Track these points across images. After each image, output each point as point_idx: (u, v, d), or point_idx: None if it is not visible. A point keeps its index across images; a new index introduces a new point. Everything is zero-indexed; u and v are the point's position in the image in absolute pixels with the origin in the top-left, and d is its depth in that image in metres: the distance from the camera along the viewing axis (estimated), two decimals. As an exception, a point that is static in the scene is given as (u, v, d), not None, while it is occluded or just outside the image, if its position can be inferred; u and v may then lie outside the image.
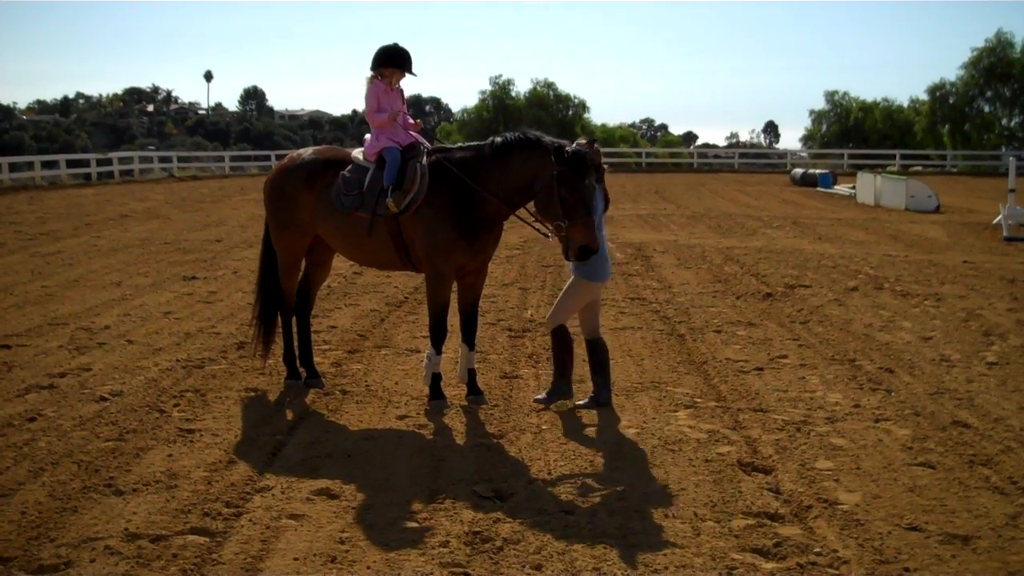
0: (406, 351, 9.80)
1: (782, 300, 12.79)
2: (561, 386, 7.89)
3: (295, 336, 8.61)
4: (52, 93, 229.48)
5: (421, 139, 8.14)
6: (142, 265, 16.01)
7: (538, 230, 7.77)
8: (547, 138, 7.45)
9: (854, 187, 34.88)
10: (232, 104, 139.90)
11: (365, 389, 8.39)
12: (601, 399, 7.85)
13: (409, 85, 8.13)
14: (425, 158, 7.81)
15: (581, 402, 7.88)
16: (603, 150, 7.50)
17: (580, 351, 8.15)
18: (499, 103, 75.28)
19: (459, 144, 8.20)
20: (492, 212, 7.64)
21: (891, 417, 7.55)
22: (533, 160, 7.36)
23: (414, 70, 8.12)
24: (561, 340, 7.86)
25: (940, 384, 8.53)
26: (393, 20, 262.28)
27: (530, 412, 7.74)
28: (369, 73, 8.08)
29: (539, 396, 7.98)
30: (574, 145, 7.31)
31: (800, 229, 22.67)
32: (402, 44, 8.05)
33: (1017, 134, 66.46)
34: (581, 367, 8.31)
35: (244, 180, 46.67)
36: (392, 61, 8.03)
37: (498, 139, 7.64)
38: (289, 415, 7.67)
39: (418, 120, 8.30)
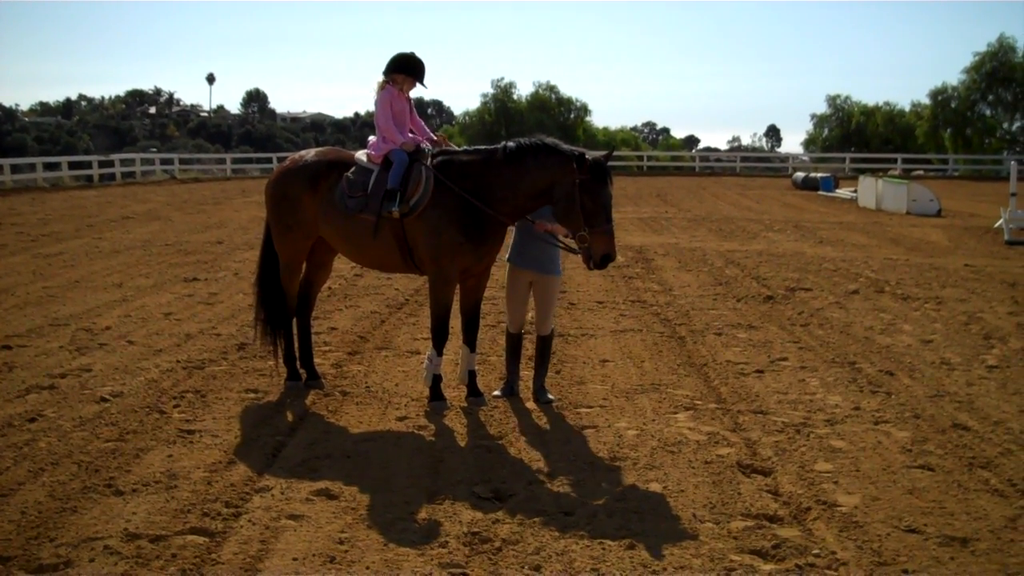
0: (406, 353, 9.81)
1: (783, 303, 12.79)
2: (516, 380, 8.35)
3: (296, 337, 8.61)
4: (54, 95, 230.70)
5: (430, 136, 8.15)
6: (143, 266, 16.02)
7: (570, 248, 7.74)
8: (564, 146, 7.47)
9: (855, 191, 34.88)
10: (234, 107, 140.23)
11: (365, 390, 8.40)
12: (516, 389, 8.31)
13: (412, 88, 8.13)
14: (430, 160, 7.82)
15: (496, 392, 8.28)
16: (603, 152, 7.55)
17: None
18: (501, 106, 75.33)
19: (464, 148, 8.19)
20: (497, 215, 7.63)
21: (891, 419, 7.56)
22: (551, 166, 7.36)
23: (425, 82, 8.13)
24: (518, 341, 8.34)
25: (940, 387, 8.53)
26: (395, 23, 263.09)
27: (530, 414, 7.75)
28: (381, 78, 8.08)
29: (496, 393, 8.27)
30: (592, 154, 7.35)
31: (801, 232, 22.68)
32: (417, 54, 8.06)
33: (1019, 138, 66.52)
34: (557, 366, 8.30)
35: (246, 182, 46.70)
36: (406, 69, 8.02)
37: (511, 144, 7.63)
38: (289, 416, 7.67)
39: (441, 135, 8.29)
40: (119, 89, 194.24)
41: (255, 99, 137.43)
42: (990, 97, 65.64)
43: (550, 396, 8.08)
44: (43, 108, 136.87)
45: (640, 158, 66.42)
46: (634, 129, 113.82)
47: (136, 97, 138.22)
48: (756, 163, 70.41)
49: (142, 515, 5.57)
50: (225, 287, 13.94)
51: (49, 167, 41.92)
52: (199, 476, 6.23)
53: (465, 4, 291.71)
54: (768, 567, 5.02)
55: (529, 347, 8.92)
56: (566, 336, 10.54)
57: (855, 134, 73.87)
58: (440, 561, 5.06)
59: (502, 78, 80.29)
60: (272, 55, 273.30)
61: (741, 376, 8.90)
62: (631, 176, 54.93)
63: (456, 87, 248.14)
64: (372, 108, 8.05)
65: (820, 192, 39.89)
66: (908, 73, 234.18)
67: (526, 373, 8.41)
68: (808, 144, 79.26)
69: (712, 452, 6.77)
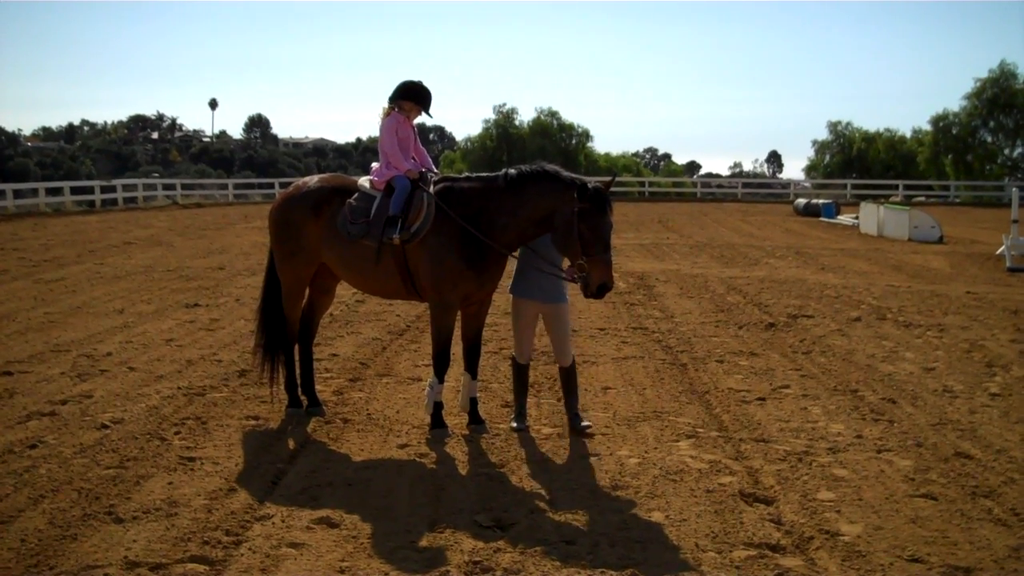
0: (408, 379, 9.79)
1: (785, 330, 12.78)
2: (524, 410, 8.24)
3: (297, 364, 8.60)
4: (57, 120, 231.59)
5: (430, 167, 8.17)
6: (145, 292, 16.03)
7: (567, 278, 7.65)
8: (565, 173, 7.48)
9: (857, 217, 34.93)
10: (236, 132, 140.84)
11: (366, 417, 8.38)
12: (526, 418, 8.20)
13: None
14: (432, 187, 7.83)
15: (516, 424, 8.10)
16: (606, 179, 7.55)
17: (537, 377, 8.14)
18: (503, 132, 75.67)
19: (466, 174, 8.21)
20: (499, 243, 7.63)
21: (893, 448, 7.53)
22: (553, 194, 7.36)
23: (431, 111, 8.16)
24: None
25: (943, 415, 8.51)
26: (398, 49, 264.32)
27: (531, 441, 7.73)
28: (387, 104, 8.11)
29: (515, 424, 8.10)
30: (593, 182, 7.33)
31: (803, 259, 22.69)
32: (424, 83, 8.11)
33: (1020, 164, 66.73)
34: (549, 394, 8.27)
35: (248, 208, 46.80)
36: (413, 97, 8.07)
37: (512, 171, 7.65)
38: (290, 443, 7.65)
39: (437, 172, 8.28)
40: (121, 114, 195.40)
41: (257, 124, 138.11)
42: (991, 123, 65.95)
43: (585, 423, 8.01)
44: (46, 133, 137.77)
45: (641, 184, 66.64)
46: (636, 155, 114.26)
47: (138, 122, 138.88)
48: (757, 189, 70.59)
49: (142, 543, 5.55)
50: (226, 313, 13.94)
51: (51, 192, 42.04)
52: (199, 504, 6.21)
53: (467, 30, 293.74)
54: (771, 597, 4.99)
55: (539, 376, 8.89)
56: (568, 363, 10.51)
57: (856, 160, 74.16)
58: (441, 591, 5.03)
59: (504, 104, 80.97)
60: (274, 80, 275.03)
61: (743, 404, 8.88)
62: (632, 202, 55.11)
63: (458, 113, 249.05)
64: (374, 133, 8.12)
65: (822, 218, 39.94)
66: (909, 99, 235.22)
67: (531, 400, 8.38)
68: (809, 170, 79.64)
69: (714, 481, 6.75)
